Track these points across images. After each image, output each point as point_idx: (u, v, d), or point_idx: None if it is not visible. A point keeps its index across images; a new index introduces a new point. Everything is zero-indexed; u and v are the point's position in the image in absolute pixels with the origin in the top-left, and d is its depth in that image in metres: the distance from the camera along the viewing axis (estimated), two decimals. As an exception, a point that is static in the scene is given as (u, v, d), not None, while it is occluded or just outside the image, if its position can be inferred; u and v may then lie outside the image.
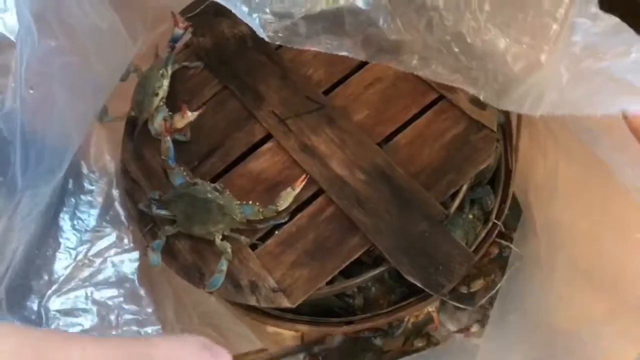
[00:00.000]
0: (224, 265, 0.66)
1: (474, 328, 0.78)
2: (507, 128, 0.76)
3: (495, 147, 0.71)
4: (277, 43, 0.61)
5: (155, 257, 0.69)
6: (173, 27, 0.81)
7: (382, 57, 0.63)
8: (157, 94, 0.78)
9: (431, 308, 0.75)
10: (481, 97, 0.54)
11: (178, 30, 0.81)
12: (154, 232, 0.73)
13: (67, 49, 0.66)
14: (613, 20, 0.45)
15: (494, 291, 0.71)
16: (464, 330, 0.80)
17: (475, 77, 0.55)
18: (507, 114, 0.77)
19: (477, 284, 0.78)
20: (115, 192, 0.86)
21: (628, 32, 0.44)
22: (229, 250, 0.67)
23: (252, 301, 0.66)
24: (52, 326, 0.72)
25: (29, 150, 0.67)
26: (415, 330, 0.82)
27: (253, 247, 0.69)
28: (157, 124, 0.77)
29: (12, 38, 0.66)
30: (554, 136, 0.74)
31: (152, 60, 0.84)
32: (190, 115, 0.74)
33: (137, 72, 0.83)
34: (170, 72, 0.80)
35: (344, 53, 0.62)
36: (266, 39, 0.60)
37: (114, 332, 0.76)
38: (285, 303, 0.65)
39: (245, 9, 0.61)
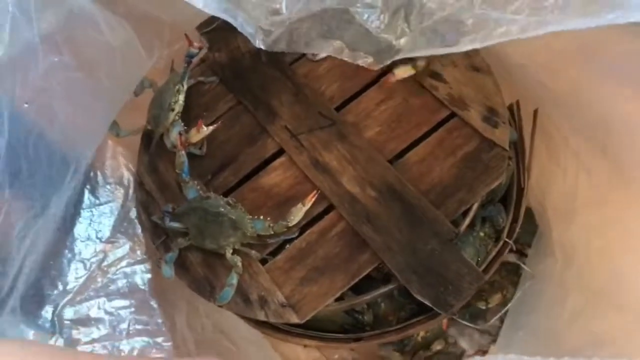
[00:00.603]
0: (234, 279, 0.67)
1: (492, 349, 0.77)
2: (519, 146, 0.76)
3: (507, 164, 0.71)
4: (274, 50, 0.63)
5: (168, 270, 0.70)
6: (187, 46, 0.82)
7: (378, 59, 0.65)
8: (173, 109, 0.80)
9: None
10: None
11: (196, 48, 0.83)
12: (167, 245, 0.74)
13: (72, 66, 0.67)
14: None
15: (503, 310, 0.70)
16: (480, 352, 0.79)
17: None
18: (520, 132, 0.76)
19: (495, 299, 0.77)
20: (130, 204, 0.88)
21: None
22: (240, 264, 0.68)
23: (261, 316, 0.66)
24: (65, 335, 0.74)
25: (38, 161, 0.68)
26: (425, 344, 0.82)
27: (263, 262, 0.70)
28: (173, 137, 0.78)
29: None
30: (574, 152, 0.74)
31: (167, 74, 0.86)
32: (205, 130, 0.75)
33: (153, 86, 0.85)
34: (185, 87, 0.82)
35: (337, 56, 0.64)
36: (262, 47, 0.62)
37: (124, 342, 0.77)
38: (294, 319, 0.65)
39: (240, 19, 0.63)
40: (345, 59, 0.64)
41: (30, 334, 0.70)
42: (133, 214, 0.86)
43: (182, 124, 0.79)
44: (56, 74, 0.66)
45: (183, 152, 0.74)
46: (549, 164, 0.78)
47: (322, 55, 0.83)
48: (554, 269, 0.74)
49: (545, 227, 0.81)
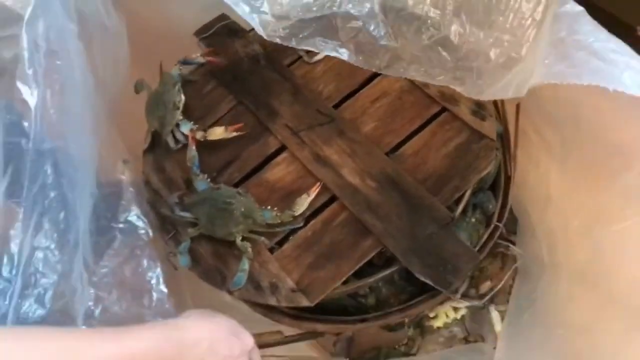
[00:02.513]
0: (246, 265, 0.71)
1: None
2: (505, 137, 0.82)
3: (495, 155, 0.76)
4: (276, 41, 0.68)
5: (184, 259, 0.74)
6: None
7: (372, 63, 0.70)
8: (178, 108, 0.83)
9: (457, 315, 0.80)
10: (466, 93, 0.60)
11: (195, 58, 0.87)
12: (177, 239, 0.77)
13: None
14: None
15: (499, 287, 0.75)
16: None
17: (461, 76, 0.61)
18: (505, 125, 0.82)
19: (485, 286, 0.83)
20: (135, 208, 0.90)
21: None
22: (250, 249, 0.71)
23: (273, 301, 0.70)
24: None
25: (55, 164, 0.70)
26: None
27: (271, 250, 0.74)
28: (179, 135, 0.82)
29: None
30: (548, 146, 0.80)
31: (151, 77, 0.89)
32: (228, 132, 0.80)
33: (147, 88, 0.88)
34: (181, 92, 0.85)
35: (334, 55, 0.69)
36: (265, 37, 0.67)
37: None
38: (305, 302, 0.69)
39: (246, 8, 0.68)
40: (346, 60, 0.68)
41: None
42: (139, 214, 0.88)
43: (191, 122, 0.83)
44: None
45: (194, 147, 0.78)
46: (522, 157, 0.83)
47: (318, 57, 0.88)
48: (541, 250, 0.80)
49: (526, 216, 0.87)
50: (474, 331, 0.89)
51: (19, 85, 0.59)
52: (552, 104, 0.78)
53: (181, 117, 0.83)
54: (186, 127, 0.81)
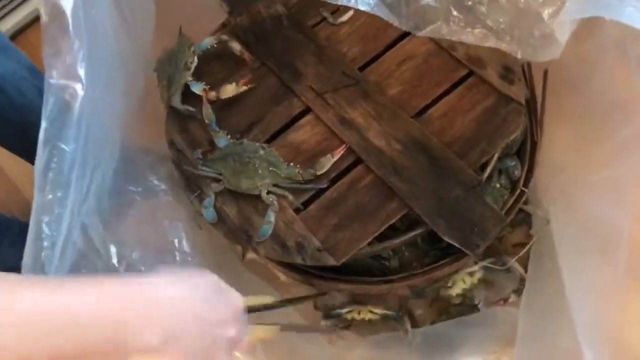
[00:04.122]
0: (271, 217, 0.71)
1: (512, 298, 0.83)
2: (532, 103, 0.81)
3: (523, 119, 0.76)
4: None
5: (210, 213, 0.74)
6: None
7: (412, 25, 0.68)
8: (189, 69, 0.83)
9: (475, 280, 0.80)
10: (519, 55, 0.59)
11: (207, 40, 0.86)
12: (202, 198, 0.77)
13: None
14: None
15: (523, 251, 0.76)
16: (502, 300, 0.84)
17: (511, 35, 0.60)
18: (532, 90, 0.81)
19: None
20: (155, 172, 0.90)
21: None
22: (276, 202, 0.72)
23: (299, 260, 0.70)
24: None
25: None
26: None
27: (296, 211, 0.74)
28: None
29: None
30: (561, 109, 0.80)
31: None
32: (239, 87, 0.80)
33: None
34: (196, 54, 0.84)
35: (378, 14, 0.67)
36: None
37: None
38: (331, 261, 0.69)
39: None
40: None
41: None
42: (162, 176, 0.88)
43: (203, 82, 0.82)
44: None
45: (208, 105, 0.78)
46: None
47: (343, 18, 0.87)
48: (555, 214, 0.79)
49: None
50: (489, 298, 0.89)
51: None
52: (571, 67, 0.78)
53: (191, 78, 0.82)
54: (198, 88, 0.81)
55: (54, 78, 0.60)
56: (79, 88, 0.61)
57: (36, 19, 1.29)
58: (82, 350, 0.40)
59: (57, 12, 0.58)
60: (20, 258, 0.57)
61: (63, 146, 0.61)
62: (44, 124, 0.59)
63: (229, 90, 0.80)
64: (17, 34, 1.31)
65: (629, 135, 0.66)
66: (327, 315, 0.85)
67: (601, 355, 0.60)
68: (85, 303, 0.41)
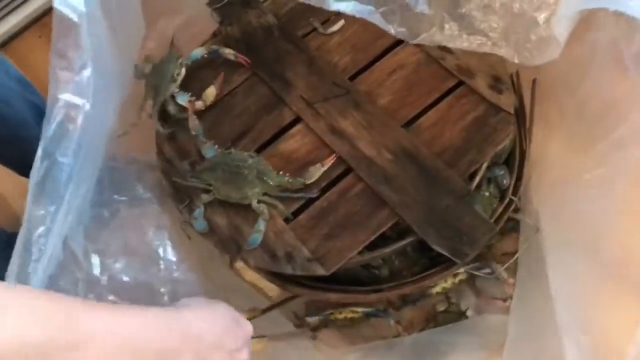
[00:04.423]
0: (261, 225, 0.71)
1: (501, 305, 0.83)
2: (520, 112, 0.81)
3: (512, 128, 0.76)
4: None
5: (201, 224, 0.74)
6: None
7: (406, 33, 0.68)
8: (175, 80, 0.82)
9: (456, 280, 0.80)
10: (515, 60, 0.60)
11: (197, 50, 0.86)
12: (191, 208, 0.77)
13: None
14: None
15: (511, 261, 0.76)
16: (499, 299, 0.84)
17: (507, 40, 0.61)
18: (520, 99, 0.82)
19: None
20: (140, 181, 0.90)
21: None
22: (266, 211, 0.72)
23: (288, 270, 0.70)
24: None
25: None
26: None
27: (286, 221, 0.74)
28: (173, 108, 0.82)
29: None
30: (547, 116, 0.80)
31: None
32: (220, 88, 0.81)
33: (152, 61, 0.86)
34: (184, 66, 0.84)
35: (373, 22, 0.68)
36: None
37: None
38: (320, 271, 0.69)
39: None
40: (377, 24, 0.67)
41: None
42: (149, 186, 0.88)
43: (188, 93, 0.82)
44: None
45: (194, 116, 0.78)
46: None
47: (334, 28, 0.87)
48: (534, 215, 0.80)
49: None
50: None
51: None
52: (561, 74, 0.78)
53: (177, 90, 0.82)
54: (183, 99, 0.81)
55: (61, 92, 0.59)
56: (85, 103, 0.60)
57: (24, 29, 1.29)
58: None
59: (68, 26, 0.58)
60: (4, 269, 0.56)
61: (62, 160, 0.60)
62: (45, 137, 0.59)
63: (210, 93, 0.81)
64: (4, 44, 1.30)
65: (623, 134, 0.67)
66: (308, 315, 0.84)
67: (587, 355, 0.61)
68: (134, 328, 0.48)
